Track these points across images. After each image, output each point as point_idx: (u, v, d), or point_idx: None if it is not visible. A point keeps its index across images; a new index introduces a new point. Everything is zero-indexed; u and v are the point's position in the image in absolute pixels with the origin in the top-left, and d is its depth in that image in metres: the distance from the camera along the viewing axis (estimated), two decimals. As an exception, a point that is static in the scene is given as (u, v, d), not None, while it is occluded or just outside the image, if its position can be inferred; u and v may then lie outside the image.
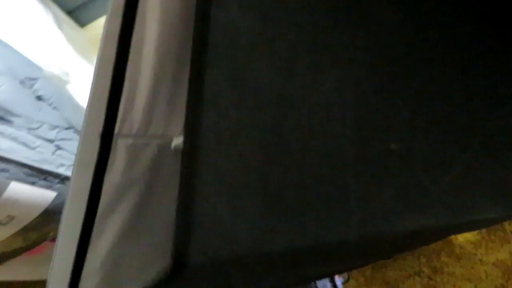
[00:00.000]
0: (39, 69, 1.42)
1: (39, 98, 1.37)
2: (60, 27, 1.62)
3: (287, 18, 0.48)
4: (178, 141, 0.59)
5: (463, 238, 1.70)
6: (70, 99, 1.52)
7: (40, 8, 1.55)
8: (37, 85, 1.36)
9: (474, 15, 0.66)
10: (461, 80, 0.65)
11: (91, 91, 0.56)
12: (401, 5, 0.55)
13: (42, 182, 1.42)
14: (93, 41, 1.93)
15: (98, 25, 1.96)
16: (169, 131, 0.58)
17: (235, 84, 0.46)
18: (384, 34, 0.52)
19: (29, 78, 1.35)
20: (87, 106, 0.57)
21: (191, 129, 0.46)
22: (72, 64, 1.64)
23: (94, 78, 0.56)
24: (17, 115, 1.31)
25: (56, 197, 1.46)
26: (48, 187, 1.45)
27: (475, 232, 1.69)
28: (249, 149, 0.45)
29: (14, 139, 1.32)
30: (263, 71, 0.47)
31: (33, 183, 1.37)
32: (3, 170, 1.28)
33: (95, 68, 0.56)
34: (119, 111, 0.55)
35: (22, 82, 1.32)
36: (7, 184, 1.29)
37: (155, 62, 0.54)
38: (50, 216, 1.46)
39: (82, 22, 1.91)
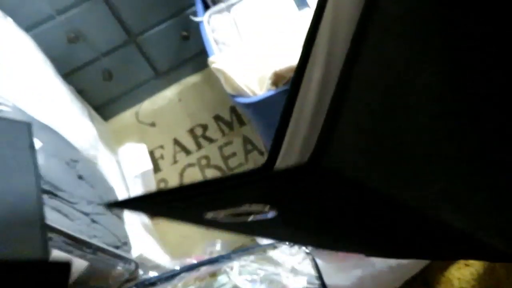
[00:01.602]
0: (78, 152, 1.65)
1: (79, 177, 1.58)
2: (91, 120, 1.91)
3: None
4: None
5: None
6: (101, 179, 1.73)
7: (79, 105, 1.86)
8: (78, 166, 1.58)
9: None
10: None
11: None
12: None
13: (78, 252, 1.56)
14: (114, 133, 2.21)
15: (119, 120, 2.27)
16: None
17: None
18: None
19: (72, 160, 1.57)
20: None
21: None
22: (99, 151, 1.89)
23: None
24: (63, 191, 1.50)
25: (88, 266, 1.59)
26: (82, 257, 1.58)
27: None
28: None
29: (59, 211, 1.50)
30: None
31: (70, 252, 1.52)
32: (49, 239, 1.43)
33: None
34: (283, 145, 0.59)
35: (67, 163, 1.54)
36: (51, 252, 1.43)
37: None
38: (82, 285, 1.57)
39: (106, 116, 2.21)
